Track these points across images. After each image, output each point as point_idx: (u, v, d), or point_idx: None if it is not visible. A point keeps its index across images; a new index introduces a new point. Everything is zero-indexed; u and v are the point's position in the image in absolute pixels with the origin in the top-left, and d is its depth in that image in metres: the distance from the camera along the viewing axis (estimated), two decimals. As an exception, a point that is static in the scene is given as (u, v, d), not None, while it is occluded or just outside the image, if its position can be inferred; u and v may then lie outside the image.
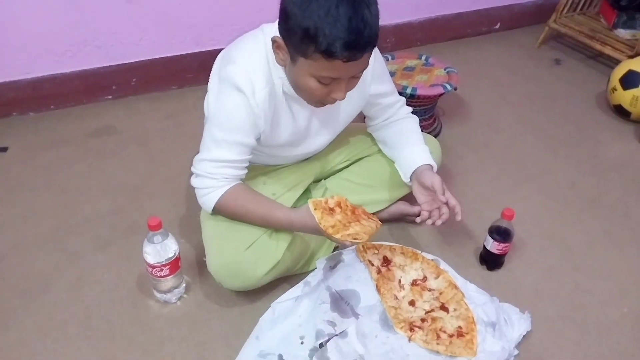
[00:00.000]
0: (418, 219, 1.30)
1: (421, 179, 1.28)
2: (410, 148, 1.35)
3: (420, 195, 1.30)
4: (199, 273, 1.34)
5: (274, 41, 1.05)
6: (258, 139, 1.18)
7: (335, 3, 0.93)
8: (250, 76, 1.09)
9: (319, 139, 1.31)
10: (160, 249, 1.18)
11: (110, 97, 2.00)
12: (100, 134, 1.83)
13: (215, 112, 1.15)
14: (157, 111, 1.96)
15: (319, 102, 1.11)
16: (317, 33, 0.94)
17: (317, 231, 1.13)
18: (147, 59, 1.98)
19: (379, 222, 1.21)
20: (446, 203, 1.25)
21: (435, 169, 1.33)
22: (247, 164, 1.20)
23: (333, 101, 1.10)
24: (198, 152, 1.20)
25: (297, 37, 0.98)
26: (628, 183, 1.73)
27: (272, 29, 1.09)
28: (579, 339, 1.24)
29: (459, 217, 1.26)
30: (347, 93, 1.10)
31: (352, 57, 0.97)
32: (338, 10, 0.93)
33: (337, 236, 1.10)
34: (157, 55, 1.99)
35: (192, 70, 2.04)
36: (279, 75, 1.12)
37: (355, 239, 1.11)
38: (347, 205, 1.18)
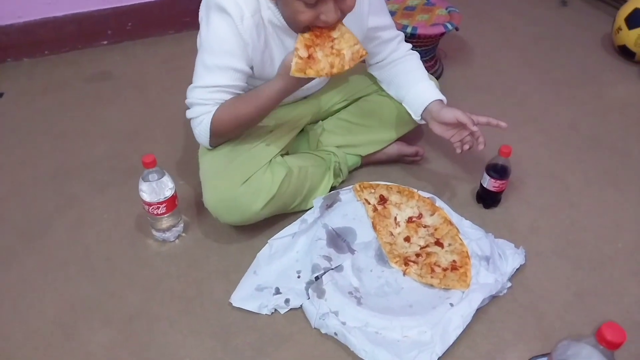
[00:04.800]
0: (458, 150, 1.28)
1: (441, 117, 1.26)
2: (417, 86, 1.32)
3: (443, 131, 1.28)
4: (198, 213, 1.35)
5: None
6: (252, 69, 1.17)
7: None
8: (237, 1, 1.07)
9: None
10: (156, 187, 1.18)
11: (105, 42, 1.97)
12: (96, 80, 1.82)
13: (205, 38, 1.13)
14: (154, 56, 1.94)
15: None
16: None
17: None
18: (142, 1, 1.94)
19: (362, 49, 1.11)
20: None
21: (445, 102, 1.31)
22: (239, 92, 1.17)
23: (325, 25, 1.05)
24: (188, 86, 1.18)
25: None
26: (630, 123, 1.71)
27: None
28: (572, 273, 1.25)
29: (481, 146, 1.25)
30: (345, 25, 1.07)
31: None
32: None
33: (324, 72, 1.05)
34: (153, -2, 1.95)
35: (189, 14, 2.00)
36: (269, 6, 1.10)
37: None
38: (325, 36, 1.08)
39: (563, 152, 1.59)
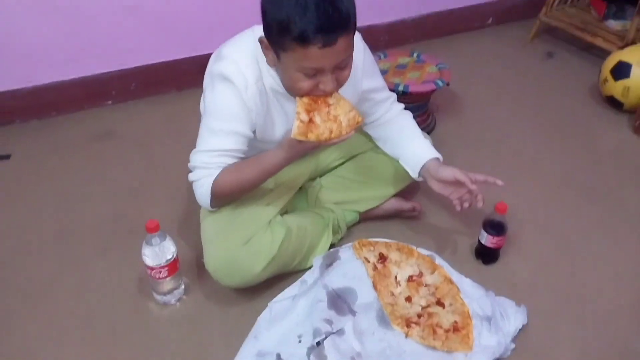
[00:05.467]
0: (457, 208, 1.31)
1: (440, 176, 1.30)
2: (413, 144, 1.37)
3: (441, 188, 1.31)
4: (198, 275, 1.36)
5: (261, 42, 1.09)
6: (254, 132, 1.21)
7: None
8: (241, 70, 1.12)
9: None
10: (158, 251, 1.20)
11: (110, 102, 2.03)
12: (101, 139, 1.86)
13: (211, 103, 1.17)
14: (157, 114, 1.99)
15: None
16: (289, 22, 0.97)
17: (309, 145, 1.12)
18: (146, 64, 2.01)
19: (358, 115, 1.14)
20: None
21: (441, 159, 1.35)
22: (242, 156, 1.21)
23: (323, 94, 1.10)
24: (192, 151, 1.22)
25: (274, 32, 1.01)
26: (623, 173, 1.74)
27: (262, 29, 1.12)
28: (576, 332, 1.25)
29: (480, 204, 1.29)
30: (340, 90, 1.12)
31: (327, 41, 0.99)
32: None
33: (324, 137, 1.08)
34: (156, 60, 2.02)
35: (190, 74, 2.06)
36: (271, 74, 1.15)
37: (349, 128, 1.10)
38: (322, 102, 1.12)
39: (558, 204, 1.62)
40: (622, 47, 2.08)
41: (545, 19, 2.41)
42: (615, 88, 1.96)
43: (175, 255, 1.23)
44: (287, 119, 1.23)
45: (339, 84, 1.10)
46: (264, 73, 1.15)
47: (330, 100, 1.11)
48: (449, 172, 1.28)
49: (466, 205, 1.31)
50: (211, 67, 1.19)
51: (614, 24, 2.24)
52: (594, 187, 1.68)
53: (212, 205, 1.23)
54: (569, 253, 1.46)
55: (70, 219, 1.54)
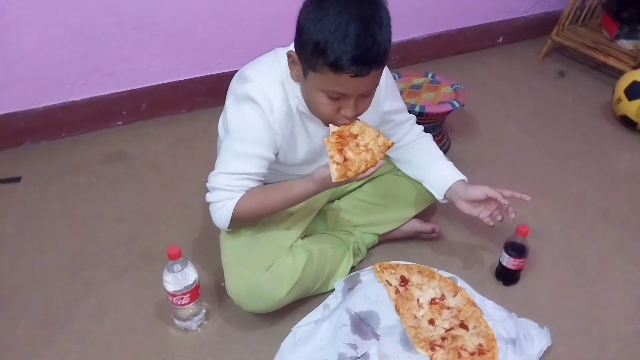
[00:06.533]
0: (491, 224, 1.32)
1: (470, 195, 1.30)
2: (437, 166, 1.37)
3: (471, 209, 1.32)
4: (218, 299, 1.34)
5: (289, 55, 1.08)
6: (276, 155, 1.20)
7: (346, 20, 0.96)
8: (267, 94, 1.12)
9: None
10: (180, 278, 1.18)
11: (120, 122, 2.02)
12: (112, 160, 1.85)
13: (236, 126, 1.16)
14: (167, 135, 1.98)
15: (330, 120, 1.11)
16: (326, 46, 0.97)
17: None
18: (156, 84, 2.00)
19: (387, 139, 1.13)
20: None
21: (466, 180, 1.35)
22: (263, 179, 1.20)
23: (343, 119, 1.09)
24: (211, 172, 1.20)
25: (309, 51, 1.00)
26: (638, 194, 1.74)
27: (285, 52, 1.12)
28: (599, 354, 1.24)
29: (513, 215, 1.30)
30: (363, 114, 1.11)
31: (359, 72, 0.99)
32: (348, 27, 0.96)
33: (351, 174, 1.07)
34: (166, 80, 2.01)
35: (201, 94, 2.07)
36: (295, 95, 1.14)
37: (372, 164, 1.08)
38: (349, 134, 1.10)
39: (575, 226, 1.61)
40: (635, 67, 2.09)
41: (556, 39, 2.42)
42: (630, 108, 1.96)
43: (196, 281, 1.22)
44: (310, 139, 1.22)
45: (358, 111, 1.09)
46: (290, 95, 1.14)
47: (355, 130, 1.10)
48: (479, 191, 1.29)
49: (499, 218, 1.32)
50: (235, 89, 1.18)
51: (625, 44, 2.26)
52: (611, 208, 1.68)
53: (229, 227, 1.21)
54: (588, 275, 1.45)
55: (85, 242, 1.52)
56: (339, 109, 1.07)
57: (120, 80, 1.94)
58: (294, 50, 1.07)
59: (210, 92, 2.07)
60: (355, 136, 1.09)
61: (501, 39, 2.62)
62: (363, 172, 1.07)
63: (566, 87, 2.34)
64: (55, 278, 1.41)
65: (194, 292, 1.21)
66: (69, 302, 1.35)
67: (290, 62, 1.09)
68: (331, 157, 1.06)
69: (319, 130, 1.21)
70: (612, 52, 2.27)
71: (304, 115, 1.18)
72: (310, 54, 1.01)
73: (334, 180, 1.07)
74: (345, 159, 1.06)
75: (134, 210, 1.64)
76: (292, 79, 1.12)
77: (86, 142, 1.94)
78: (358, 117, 1.11)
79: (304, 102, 1.15)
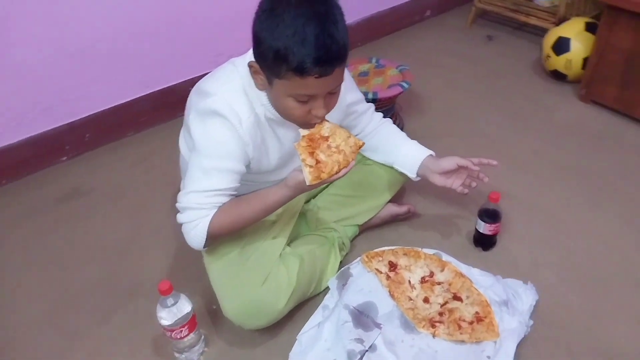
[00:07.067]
0: (465, 191, 1.37)
1: (442, 167, 1.36)
2: (404, 147, 1.42)
3: (443, 180, 1.37)
4: (213, 322, 1.32)
5: (250, 66, 1.07)
6: (248, 166, 1.18)
7: (302, 23, 0.96)
8: (232, 106, 1.10)
9: None
10: (175, 311, 1.15)
11: (65, 157, 1.92)
12: (67, 199, 1.76)
13: (203, 143, 1.13)
14: (120, 161, 1.90)
15: (303, 122, 1.11)
16: (287, 52, 0.97)
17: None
18: (97, 111, 1.92)
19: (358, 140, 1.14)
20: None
21: (434, 154, 1.40)
22: (235, 193, 1.18)
23: (315, 119, 1.10)
24: (180, 192, 1.17)
25: (270, 59, 1.00)
26: (582, 143, 1.85)
27: (243, 61, 1.11)
28: (582, 298, 1.33)
29: (486, 179, 1.37)
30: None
31: (324, 72, 0.99)
32: (305, 29, 0.96)
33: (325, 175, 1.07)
34: (108, 105, 1.93)
35: (146, 113, 1.99)
36: (262, 103, 1.13)
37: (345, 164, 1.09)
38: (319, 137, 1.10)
39: (538, 182, 1.70)
40: (557, 23, 2.21)
41: (479, 5, 2.53)
42: (558, 62, 2.09)
43: (192, 311, 1.19)
44: (281, 144, 1.22)
45: (328, 108, 1.10)
46: (255, 103, 1.13)
47: (325, 133, 1.10)
48: (450, 162, 1.35)
49: (473, 185, 1.38)
50: (196, 104, 1.15)
51: (542, 2, 2.38)
52: (564, 159, 1.78)
53: (204, 246, 1.19)
54: (560, 227, 1.54)
55: (59, 289, 1.44)
56: (309, 110, 1.07)
57: (58, 113, 1.84)
58: (254, 60, 1.06)
59: (155, 109, 2.01)
60: (326, 138, 1.10)
61: (429, 12, 2.69)
62: (336, 173, 1.09)
63: (497, 50, 2.45)
64: (35, 334, 1.33)
65: (192, 323, 1.18)
66: (59, 353, 1.28)
67: (253, 72, 1.08)
68: (303, 160, 1.07)
69: (288, 133, 1.21)
70: (532, 11, 2.39)
71: (272, 122, 1.17)
72: (272, 62, 1.00)
73: (308, 184, 1.07)
74: (317, 162, 1.07)
75: (104, 245, 1.57)
76: (258, 88, 1.11)
77: (34, 185, 1.82)
78: (326, 118, 1.12)
79: (271, 109, 1.14)
